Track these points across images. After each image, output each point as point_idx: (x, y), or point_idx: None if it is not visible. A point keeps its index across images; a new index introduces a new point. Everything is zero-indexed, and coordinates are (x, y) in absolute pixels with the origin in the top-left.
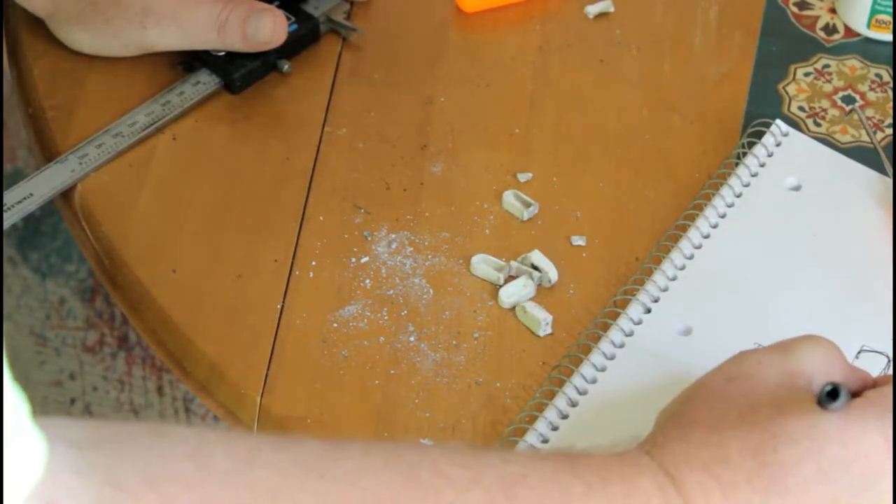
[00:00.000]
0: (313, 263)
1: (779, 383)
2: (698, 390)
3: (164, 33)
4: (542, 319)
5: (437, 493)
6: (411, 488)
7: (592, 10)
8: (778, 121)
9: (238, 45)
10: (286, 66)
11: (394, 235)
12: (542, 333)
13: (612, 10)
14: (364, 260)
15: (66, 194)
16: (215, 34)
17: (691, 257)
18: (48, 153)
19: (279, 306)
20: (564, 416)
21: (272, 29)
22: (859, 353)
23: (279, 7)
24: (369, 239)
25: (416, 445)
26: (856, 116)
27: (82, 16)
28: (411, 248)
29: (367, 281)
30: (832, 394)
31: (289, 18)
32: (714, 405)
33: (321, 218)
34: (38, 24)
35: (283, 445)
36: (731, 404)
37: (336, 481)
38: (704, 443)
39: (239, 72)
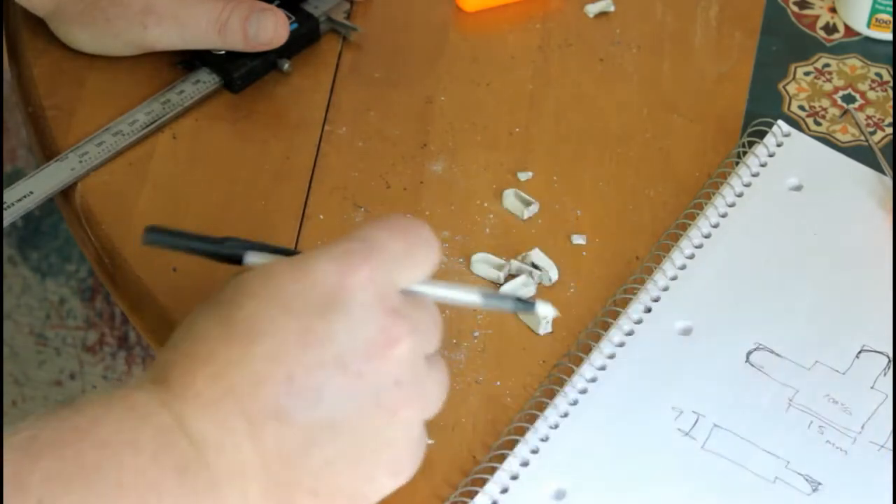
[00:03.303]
0: None
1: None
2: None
3: (165, 33)
4: (542, 318)
5: None
6: None
7: (592, 9)
8: (780, 121)
9: (239, 45)
10: (286, 66)
11: None
12: (542, 332)
13: (612, 9)
14: None
15: (66, 193)
16: (216, 34)
17: (692, 256)
18: (48, 152)
19: None
20: (565, 415)
21: (274, 29)
22: (860, 353)
23: (279, 6)
24: None
25: None
26: (852, 119)
27: (83, 15)
28: None
29: None
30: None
31: (289, 17)
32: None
33: (321, 216)
34: (38, 24)
35: None
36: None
37: None
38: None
39: (239, 71)
